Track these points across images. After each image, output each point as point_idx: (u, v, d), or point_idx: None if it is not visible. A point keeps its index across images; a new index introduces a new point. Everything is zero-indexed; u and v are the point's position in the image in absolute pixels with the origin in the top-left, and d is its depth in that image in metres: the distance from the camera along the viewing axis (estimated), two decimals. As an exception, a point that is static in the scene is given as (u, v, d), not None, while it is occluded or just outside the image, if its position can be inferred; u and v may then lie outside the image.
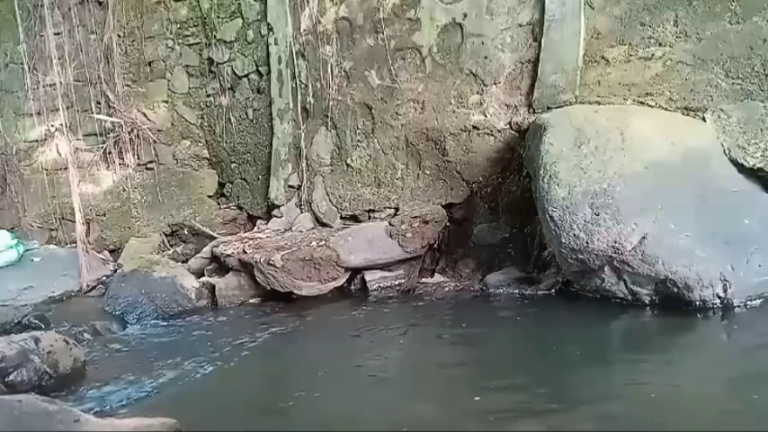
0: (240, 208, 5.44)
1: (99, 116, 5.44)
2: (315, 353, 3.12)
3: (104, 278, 4.73)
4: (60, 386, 2.66)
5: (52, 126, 5.61)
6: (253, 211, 5.36)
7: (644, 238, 3.08)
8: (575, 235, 3.20)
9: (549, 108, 4.03)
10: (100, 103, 5.47)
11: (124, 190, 5.58)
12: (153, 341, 3.48)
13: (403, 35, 4.53)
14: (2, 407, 1.91)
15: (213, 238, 4.96)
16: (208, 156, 5.51)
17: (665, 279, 3.03)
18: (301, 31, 4.88)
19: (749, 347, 2.68)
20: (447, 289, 4.08)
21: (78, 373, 2.81)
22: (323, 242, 4.08)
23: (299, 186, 5.03)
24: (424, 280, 4.25)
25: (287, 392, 2.59)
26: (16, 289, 4.41)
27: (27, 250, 5.14)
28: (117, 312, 3.97)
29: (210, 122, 5.41)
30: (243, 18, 5.10)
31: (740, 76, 3.61)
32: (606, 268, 3.20)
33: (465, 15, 4.30)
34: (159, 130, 5.51)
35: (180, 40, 5.35)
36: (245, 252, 4.14)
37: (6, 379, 2.55)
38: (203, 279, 4.29)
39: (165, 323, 3.82)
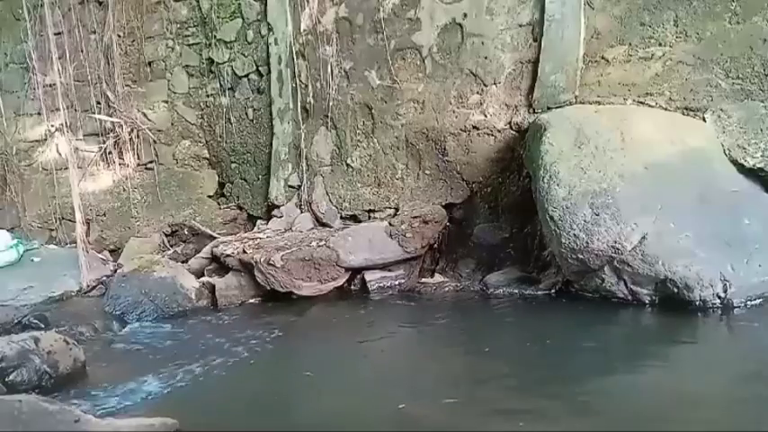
0: (240, 208, 5.44)
1: (99, 116, 5.44)
2: (315, 353, 3.12)
3: (104, 278, 4.71)
4: (60, 386, 2.66)
5: (52, 126, 5.61)
6: (253, 211, 5.36)
7: (644, 238, 3.08)
8: (575, 235, 3.20)
9: (549, 108, 4.03)
10: (100, 103, 5.47)
11: (124, 190, 5.58)
12: (153, 341, 3.47)
13: (403, 35, 4.53)
14: (2, 407, 1.91)
15: (213, 238, 4.96)
16: (208, 156, 5.51)
17: (665, 279, 3.03)
18: (301, 31, 4.88)
19: (749, 347, 2.68)
20: (447, 289, 4.07)
21: (78, 373, 2.81)
22: (323, 242, 4.08)
23: (299, 186, 5.03)
24: (424, 280, 4.25)
25: (287, 392, 2.60)
26: (16, 289, 4.40)
27: (27, 250, 5.14)
28: (117, 312, 3.96)
29: (210, 122, 5.41)
30: (243, 18, 5.10)
31: (740, 76, 3.61)
32: (606, 268, 3.20)
33: (465, 15, 4.30)
34: (159, 130, 5.51)
35: (180, 40, 5.35)
36: (245, 252, 4.14)
37: (6, 379, 2.55)
38: (203, 279, 4.28)
39: (165, 323, 3.81)
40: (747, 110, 3.57)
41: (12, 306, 4.12)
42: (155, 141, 5.51)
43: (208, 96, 5.37)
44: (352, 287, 4.15)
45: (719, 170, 3.45)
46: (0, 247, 4.87)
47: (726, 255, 3.02)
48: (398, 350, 3.17)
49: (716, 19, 3.63)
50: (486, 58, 4.28)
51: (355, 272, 4.12)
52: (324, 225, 4.86)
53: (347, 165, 4.86)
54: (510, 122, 4.25)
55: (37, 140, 5.77)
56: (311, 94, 4.92)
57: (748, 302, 2.98)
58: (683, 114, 3.73)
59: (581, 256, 3.21)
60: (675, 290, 3.01)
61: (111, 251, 5.50)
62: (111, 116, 5.42)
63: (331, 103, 4.84)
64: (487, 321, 3.45)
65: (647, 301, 3.16)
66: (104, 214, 5.62)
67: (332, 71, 4.79)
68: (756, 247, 3.04)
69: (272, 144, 5.12)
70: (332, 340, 3.32)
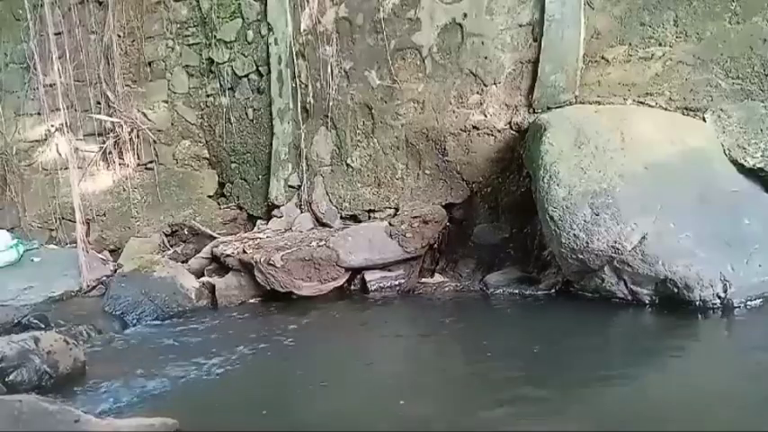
0: (240, 208, 5.44)
1: (99, 116, 5.44)
2: (315, 353, 3.12)
3: (104, 278, 4.71)
4: (60, 386, 2.65)
5: (52, 126, 5.62)
6: (253, 211, 5.36)
7: (644, 238, 3.08)
8: (575, 235, 3.20)
9: (549, 108, 4.03)
10: (100, 103, 5.47)
11: (124, 190, 5.58)
12: (153, 341, 3.47)
13: (403, 35, 4.53)
14: (2, 407, 1.91)
15: (213, 238, 4.96)
16: (208, 156, 5.51)
17: (665, 279, 3.03)
18: (301, 31, 4.88)
19: (749, 347, 2.68)
20: (447, 289, 4.07)
21: (78, 373, 2.80)
22: (323, 242, 4.08)
23: (299, 186, 5.03)
24: (424, 280, 4.25)
25: (287, 392, 2.60)
26: (16, 289, 4.40)
27: (27, 250, 5.14)
28: (117, 312, 3.95)
29: (210, 122, 5.41)
30: (243, 18, 5.10)
31: (740, 76, 3.61)
32: (606, 268, 3.20)
33: (465, 15, 4.30)
34: (159, 130, 5.51)
35: (180, 40, 5.35)
36: (245, 252, 4.14)
37: (6, 379, 2.55)
38: (203, 279, 4.28)
39: (165, 323, 3.81)
40: (747, 110, 3.57)
41: (12, 306, 4.11)
42: (155, 141, 5.50)
43: (208, 96, 5.37)
44: (352, 287, 4.15)
45: (719, 170, 3.45)
46: (0, 247, 4.87)
47: (726, 255, 3.02)
48: (399, 349, 3.16)
49: (716, 19, 3.63)
50: (486, 58, 4.28)
51: (355, 272, 4.11)
52: (324, 225, 4.86)
53: (347, 165, 4.86)
54: (510, 122, 4.25)
55: (37, 140, 5.77)
56: (311, 94, 4.92)
57: (748, 302, 2.97)
58: (683, 114, 3.73)
59: (581, 256, 3.21)
60: (675, 290, 3.01)
61: (111, 251, 5.49)
62: (111, 116, 5.42)
63: (331, 103, 4.84)
64: (487, 321, 3.45)
65: (647, 301, 3.16)
66: (104, 214, 5.62)
67: (332, 71, 4.79)
68: (756, 247, 3.04)
69: (272, 144, 5.12)
70: (332, 340, 3.32)
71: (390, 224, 4.23)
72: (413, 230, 4.12)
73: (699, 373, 2.45)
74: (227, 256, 4.23)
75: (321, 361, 2.94)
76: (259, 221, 5.20)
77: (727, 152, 3.54)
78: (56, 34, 5.18)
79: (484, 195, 4.39)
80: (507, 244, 4.20)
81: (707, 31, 3.66)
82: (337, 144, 4.89)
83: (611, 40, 3.91)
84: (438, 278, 4.28)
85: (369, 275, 4.08)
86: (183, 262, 4.70)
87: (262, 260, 3.96)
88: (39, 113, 5.62)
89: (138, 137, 5.46)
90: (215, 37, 5.21)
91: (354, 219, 4.83)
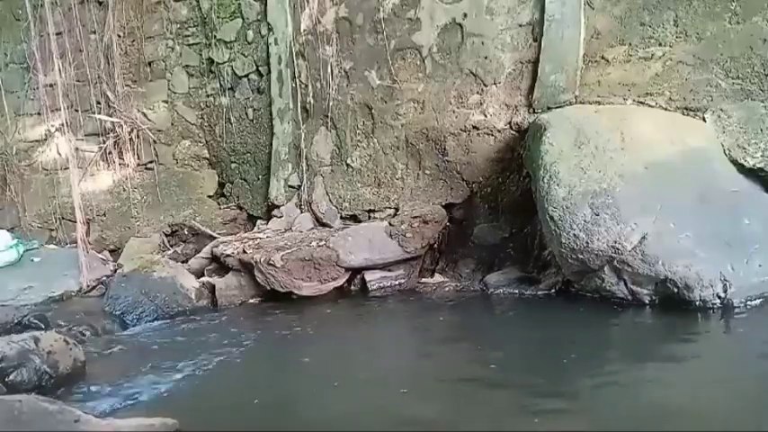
0: (240, 208, 5.44)
1: (99, 116, 5.44)
2: (315, 353, 3.12)
3: (104, 278, 4.71)
4: (60, 386, 2.65)
5: (52, 126, 5.62)
6: (253, 211, 5.36)
7: (644, 238, 3.08)
8: (575, 235, 3.20)
9: (549, 108, 4.03)
10: (100, 103, 5.47)
11: (124, 190, 5.58)
12: (153, 341, 3.47)
13: (403, 35, 4.53)
14: (2, 407, 1.91)
15: (213, 238, 4.96)
16: (208, 156, 5.51)
17: (665, 279, 3.03)
18: (301, 31, 4.88)
19: (749, 347, 2.68)
20: (447, 289, 4.08)
21: (78, 373, 2.80)
22: (323, 242, 4.08)
23: (299, 186, 5.03)
24: (424, 280, 4.25)
25: (287, 391, 2.60)
26: (16, 289, 4.40)
27: (27, 250, 5.13)
28: (117, 312, 3.96)
29: (210, 122, 5.41)
30: (243, 18, 5.10)
31: (740, 76, 3.61)
32: (606, 268, 3.20)
33: (465, 15, 4.30)
34: (159, 130, 5.51)
35: (180, 40, 5.35)
36: (245, 252, 4.14)
37: (6, 379, 2.55)
38: (203, 279, 4.29)
39: (166, 323, 3.82)
40: (747, 110, 3.57)
41: (12, 306, 4.12)
42: (155, 141, 5.51)
43: (208, 96, 5.37)
44: (352, 287, 4.15)
45: (719, 170, 3.45)
46: (0, 247, 4.87)
47: (726, 255, 3.02)
48: (398, 350, 3.16)
49: (716, 19, 3.63)
50: (486, 58, 4.28)
51: (355, 272, 4.11)
52: (324, 225, 4.86)
53: (347, 165, 4.86)
54: (510, 122, 4.25)
55: (37, 140, 5.77)
56: (311, 94, 4.92)
57: (748, 302, 2.97)
58: (683, 114, 3.74)
59: (581, 256, 3.21)
60: (675, 290, 3.01)
61: (111, 251, 5.50)
62: (111, 116, 5.42)
63: (331, 103, 4.84)
64: (487, 322, 3.46)
65: (647, 301, 3.16)
66: (104, 214, 5.62)
67: (332, 71, 4.79)
68: (756, 247, 3.04)
69: (272, 144, 5.12)
70: (332, 340, 3.32)
71: (390, 224, 4.23)
72: (413, 230, 4.12)
73: (699, 373, 2.45)
74: (227, 256, 4.23)
75: (321, 360, 2.94)
76: (259, 221, 5.20)
77: (727, 152, 3.54)
78: (56, 34, 5.18)
79: (484, 195, 4.39)
80: (507, 244, 4.20)
81: (707, 31, 3.66)
82: (337, 144, 4.89)
83: (611, 40, 3.91)
84: (438, 278, 4.28)
85: (369, 275, 4.08)
86: (183, 262, 4.70)
87: (262, 260, 3.96)
88: (39, 113, 5.62)
89: (138, 137, 5.46)
90: (215, 37, 5.21)
91: (354, 219, 4.83)
